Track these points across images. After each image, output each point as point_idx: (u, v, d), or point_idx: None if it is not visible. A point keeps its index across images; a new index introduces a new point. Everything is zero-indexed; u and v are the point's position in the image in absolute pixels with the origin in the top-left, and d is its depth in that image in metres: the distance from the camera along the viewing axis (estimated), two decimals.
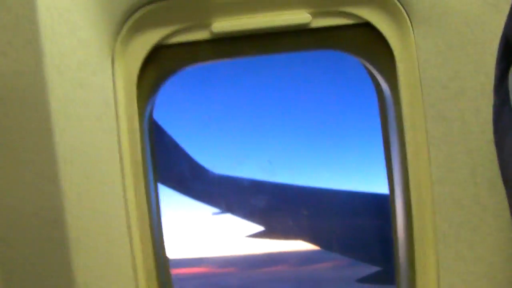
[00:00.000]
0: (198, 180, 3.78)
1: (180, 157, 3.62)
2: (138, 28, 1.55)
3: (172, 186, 3.65)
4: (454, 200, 1.47)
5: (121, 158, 1.51)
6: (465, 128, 1.46)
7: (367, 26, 1.56)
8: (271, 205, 3.88)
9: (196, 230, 4.04)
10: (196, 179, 3.77)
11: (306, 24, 1.55)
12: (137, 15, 1.53)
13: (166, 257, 1.64)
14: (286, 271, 4.05)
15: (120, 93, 1.54)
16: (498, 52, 1.36)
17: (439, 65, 1.47)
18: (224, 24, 1.55)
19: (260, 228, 3.79)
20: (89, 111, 1.49)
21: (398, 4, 1.49)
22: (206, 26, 1.56)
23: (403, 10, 1.50)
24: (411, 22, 1.49)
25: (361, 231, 3.73)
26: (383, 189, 1.72)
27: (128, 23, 1.54)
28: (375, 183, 3.43)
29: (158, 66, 1.62)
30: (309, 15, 1.54)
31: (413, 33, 1.49)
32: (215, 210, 3.87)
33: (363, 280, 3.72)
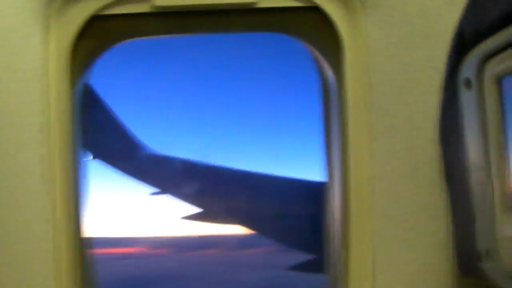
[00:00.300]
0: (136, 158, 3.70)
1: (119, 133, 3.53)
2: None
3: (108, 162, 3.56)
4: (393, 197, 1.46)
5: (47, 128, 1.45)
6: (410, 124, 1.45)
7: (316, 10, 1.51)
8: (208, 187, 3.85)
9: (131, 209, 3.96)
10: (134, 156, 3.69)
11: (252, 3, 1.50)
12: None
13: (88, 234, 1.60)
14: (219, 255, 4.04)
15: (52, 61, 1.47)
16: (451, 46, 1.35)
17: (389, 56, 1.45)
18: None
19: (196, 210, 3.76)
20: (17, 77, 1.43)
21: None
22: None
23: None
24: (363, 9, 1.46)
25: (296, 218, 3.76)
26: (321, 177, 1.71)
27: None
28: (313, 171, 3.45)
29: (96, 38, 1.54)
30: None
31: (365, 20, 1.46)
32: (152, 189, 3.80)
33: (294, 267, 3.76)
